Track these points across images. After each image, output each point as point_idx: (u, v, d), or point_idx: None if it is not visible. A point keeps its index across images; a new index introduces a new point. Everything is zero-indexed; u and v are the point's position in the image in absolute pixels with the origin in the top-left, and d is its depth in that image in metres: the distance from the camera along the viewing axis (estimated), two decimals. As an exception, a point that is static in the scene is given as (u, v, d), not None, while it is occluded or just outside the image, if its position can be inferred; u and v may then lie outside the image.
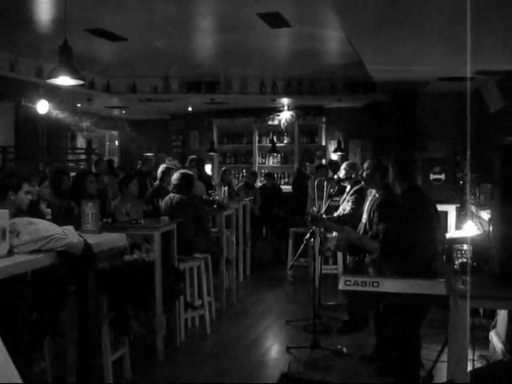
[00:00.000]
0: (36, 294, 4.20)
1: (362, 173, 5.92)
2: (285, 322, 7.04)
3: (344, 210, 6.77)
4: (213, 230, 8.10)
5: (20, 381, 1.87)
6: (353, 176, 6.73)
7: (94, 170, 10.36)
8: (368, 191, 6.05)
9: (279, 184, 13.27)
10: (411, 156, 5.31)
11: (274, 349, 6.34)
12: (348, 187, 6.96)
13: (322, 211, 6.16)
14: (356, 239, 5.65)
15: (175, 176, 7.04)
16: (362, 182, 6.14)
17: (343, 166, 7.02)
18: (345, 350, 5.92)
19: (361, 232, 5.76)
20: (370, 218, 5.64)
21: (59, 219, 5.23)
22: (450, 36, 5.85)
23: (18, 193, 4.64)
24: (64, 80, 5.50)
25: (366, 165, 5.94)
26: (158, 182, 8.39)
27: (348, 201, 6.81)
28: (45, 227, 3.83)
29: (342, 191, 7.05)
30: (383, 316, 5.23)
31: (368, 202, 5.85)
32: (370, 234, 5.53)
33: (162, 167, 8.49)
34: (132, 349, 5.46)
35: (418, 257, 4.68)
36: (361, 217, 5.96)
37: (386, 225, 5.17)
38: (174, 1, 6.40)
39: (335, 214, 6.77)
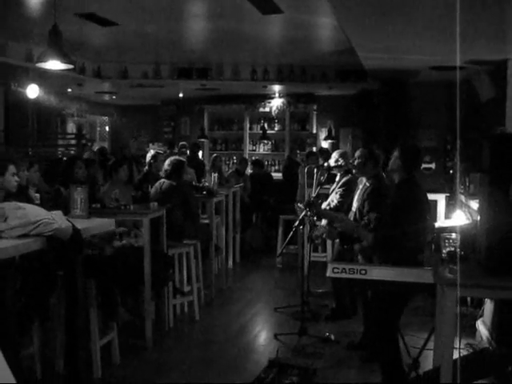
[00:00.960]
0: (24, 279, 4.19)
1: (354, 161, 5.92)
2: (273, 309, 7.07)
3: (332, 201, 6.80)
4: (202, 216, 8.10)
5: (7, 369, 1.87)
6: (342, 164, 6.74)
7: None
8: (358, 180, 6.05)
9: (270, 171, 13.27)
10: (417, 148, 5.27)
11: (262, 335, 6.37)
12: (338, 176, 6.98)
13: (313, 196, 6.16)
14: (350, 228, 5.63)
15: (167, 162, 7.03)
16: (354, 171, 6.14)
17: (333, 154, 7.04)
18: (332, 337, 5.96)
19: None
20: (360, 207, 5.65)
21: (48, 204, 5.21)
22: (440, 25, 5.83)
23: (5, 175, 4.63)
24: (54, 64, 5.47)
25: (357, 153, 5.94)
26: (146, 167, 8.37)
27: (336, 192, 6.84)
28: (33, 212, 3.82)
29: (332, 179, 7.07)
30: (370, 303, 5.26)
31: (358, 191, 5.86)
32: (362, 222, 5.52)
33: (150, 153, 8.48)
34: (120, 334, 5.48)
35: (410, 247, 4.70)
36: (349, 207, 5.98)
37: (378, 214, 5.17)
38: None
39: (323, 206, 6.77)
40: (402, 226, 4.70)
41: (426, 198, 5.00)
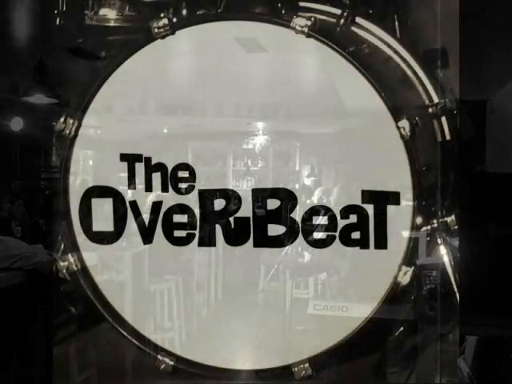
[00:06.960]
0: (3, 313, 4.16)
1: None
2: (255, 346, 7.01)
3: None
4: (185, 251, 8.06)
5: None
6: None
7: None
8: None
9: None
10: None
11: (243, 372, 6.30)
12: None
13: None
14: None
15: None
16: None
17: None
18: (314, 374, 5.91)
19: None
20: None
21: (29, 238, 5.19)
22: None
23: (-17, 208, 4.63)
24: (39, 98, 5.50)
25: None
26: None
27: None
28: (14, 245, 3.81)
29: None
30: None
31: None
32: None
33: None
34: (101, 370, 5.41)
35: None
36: None
37: None
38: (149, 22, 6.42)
39: None
40: None
41: None
